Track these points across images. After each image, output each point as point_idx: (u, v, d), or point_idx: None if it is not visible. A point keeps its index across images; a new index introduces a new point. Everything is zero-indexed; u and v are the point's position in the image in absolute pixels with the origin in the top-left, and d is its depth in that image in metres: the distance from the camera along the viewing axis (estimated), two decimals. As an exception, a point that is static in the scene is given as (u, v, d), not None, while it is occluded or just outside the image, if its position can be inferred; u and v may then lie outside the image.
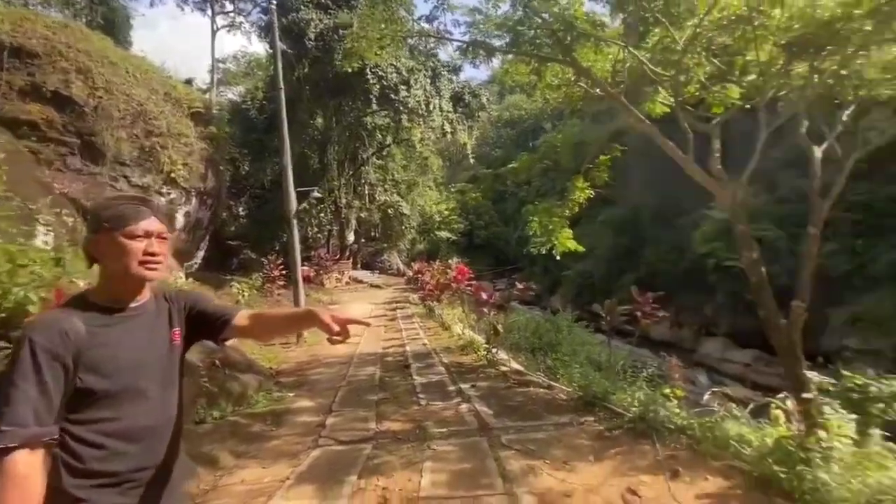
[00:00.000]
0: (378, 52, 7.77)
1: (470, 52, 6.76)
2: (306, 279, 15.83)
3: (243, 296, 13.45)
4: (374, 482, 3.70)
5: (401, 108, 20.54)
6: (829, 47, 5.40)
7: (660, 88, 6.99)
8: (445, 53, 24.06)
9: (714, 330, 23.12)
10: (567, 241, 8.15)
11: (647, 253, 28.13)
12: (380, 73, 19.73)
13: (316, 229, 24.93)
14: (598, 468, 3.68)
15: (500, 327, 7.82)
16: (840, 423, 3.33)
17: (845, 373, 3.76)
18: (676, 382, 6.20)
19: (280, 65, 12.23)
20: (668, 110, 7.48)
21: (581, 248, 8.15)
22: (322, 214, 24.23)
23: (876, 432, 3.49)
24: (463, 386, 6.18)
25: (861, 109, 6.08)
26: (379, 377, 7.44)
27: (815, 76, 5.50)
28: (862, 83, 5.53)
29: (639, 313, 6.03)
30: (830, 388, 3.73)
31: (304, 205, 13.78)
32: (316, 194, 13.30)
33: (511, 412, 5.11)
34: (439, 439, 4.45)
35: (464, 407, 5.35)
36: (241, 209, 25.52)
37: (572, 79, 7.80)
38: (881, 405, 3.54)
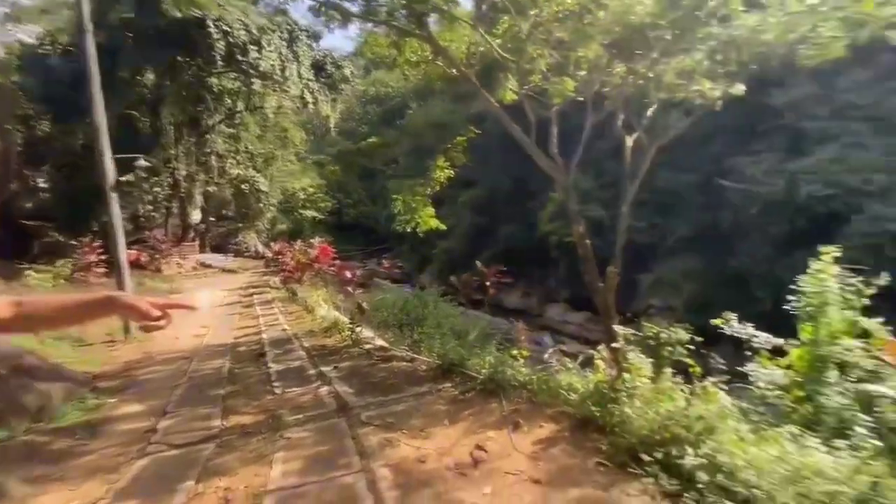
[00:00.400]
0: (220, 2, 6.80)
1: (324, 13, 6.32)
2: (135, 264, 13.55)
3: (45, 288, 10.96)
4: (214, 484, 3.35)
5: (251, 70, 18.53)
6: (640, 52, 6.32)
7: (509, 75, 7.46)
8: (299, 12, 22.29)
9: (556, 297, 26.34)
10: (429, 218, 8.34)
11: (502, 231, 30.57)
12: (224, 27, 17.45)
13: (150, 206, 21.37)
14: (452, 430, 3.88)
15: (364, 305, 7.71)
16: (640, 365, 4.03)
17: (645, 325, 4.54)
18: (522, 344, 6.82)
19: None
20: (515, 97, 8.05)
21: (443, 226, 8.43)
22: (157, 188, 20.82)
23: (667, 371, 4.29)
24: (324, 369, 5.97)
25: (662, 108, 7.30)
26: (228, 369, 6.76)
27: (631, 77, 6.41)
28: (663, 86, 6.62)
29: (487, 283, 6.47)
30: (632, 338, 4.47)
31: (130, 176, 11.63)
32: (143, 162, 11.29)
33: (373, 389, 5.09)
34: (294, 427, 4.23)
35: (324, 390, 5.17)
36: (42, 181, 20.54)
37: (430, 57, 7.87)
38: (670, 349, 4.35)
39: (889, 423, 3.81)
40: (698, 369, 4.72)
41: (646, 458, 2.97)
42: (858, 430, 3.06)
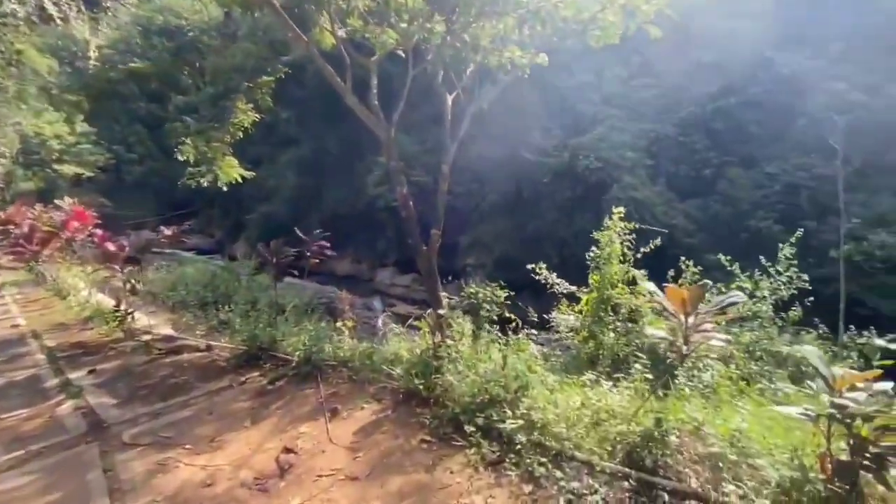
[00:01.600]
0: None
1: None
2: None
3: None
4: None
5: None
6: (458, 10, 6.06)
7: (324, 13, 6.45)
8: None
9: (386, 261, 26.42)
10: (231, 169, 6.91)
11: (330, 195, 28.92)
12: None
13: None
14: (256, 433, 3.15)
15: (139, 285, 6.02)
16: (462, 329, 3.93)
17: (465, 287, 4.47)
18: (347, 315, 6.28)
19: None
20: (334, 42, 7.10)
21: (241, 176, 7.07)
22: None
23: (486, 329, 4.29)
24: (74, 375, 4.35)
25: (477, 74, 7.31)
26: None
27: (449, 37, 6.13)
28: (479, 49, 6.54)
29: (308, 252, 5.67)
30: (454, 301, 4.36)
31: None
32: None
33: (148, 394, 3.89)
34: (6, 472, 2.86)
35: (67, 406, 3.71)
36: None
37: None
38: (488, 307, 4.35)
39: (655, 354, 4.52)
40: (516, 320, 4.94)
41: (469, 427, 2.80)
42: (637, 367, 3.39)
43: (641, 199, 16.73)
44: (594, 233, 5.57)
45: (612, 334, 4.98)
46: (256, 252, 7.51)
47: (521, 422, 2.67)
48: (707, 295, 2.90)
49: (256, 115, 6.80)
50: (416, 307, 23.44)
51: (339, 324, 5.88)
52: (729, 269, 5.05)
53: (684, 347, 2.47)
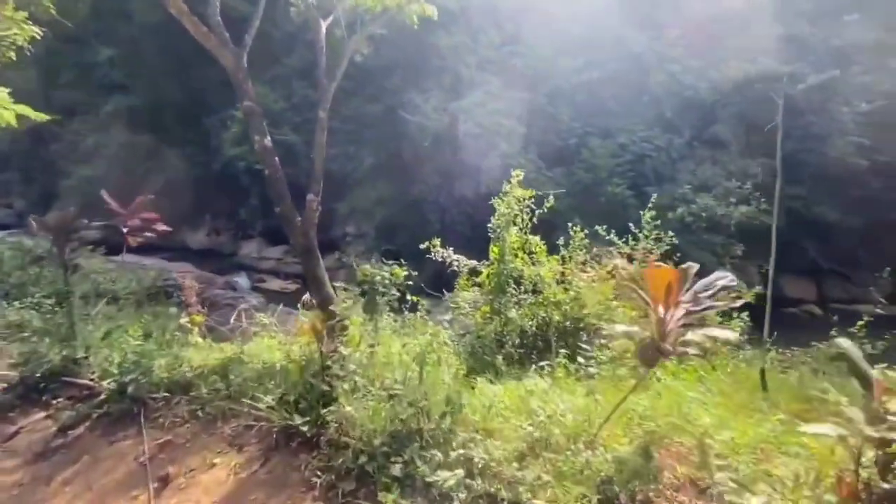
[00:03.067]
0: None
1: None
2: None
3: None
4: None
5: None
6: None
7: None
8: None
9: (251, 232, 23.27)
10: (5, 107, 4.60)
11: (174, 154, 24.08)
12: None
13: None
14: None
15: None
16: (357, 320, 2.97)
17: (358, 267, 3.46)
18: (194, 307, 4.78)
19: None
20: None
21: (39, 116, 4.81)
22: None
23: (385, 314, 3.39)
24: None
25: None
26: None
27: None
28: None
29: (124, 228, 3.99)
30: (346, 291, 3.34)
31: None
32: None
33: None
34: None
35: None
36: None
37: None
38: (384, 289, 3.42)
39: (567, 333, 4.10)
40: (418, 300, 4.11)
41: (382, 480, 1.92)
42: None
43: (517, 167, 17.02)
44: (492, 200, 4.96)
45: (515, 310, 4.51)
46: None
47: (458, 470, 1.86)
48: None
49: (36, 30, 4.60)
50: (290, 282, 21.20)
51: (183, 319, 4.42)
52: (601, 233, 4.89)
53: (666, 346, 1.90)
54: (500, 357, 3.83)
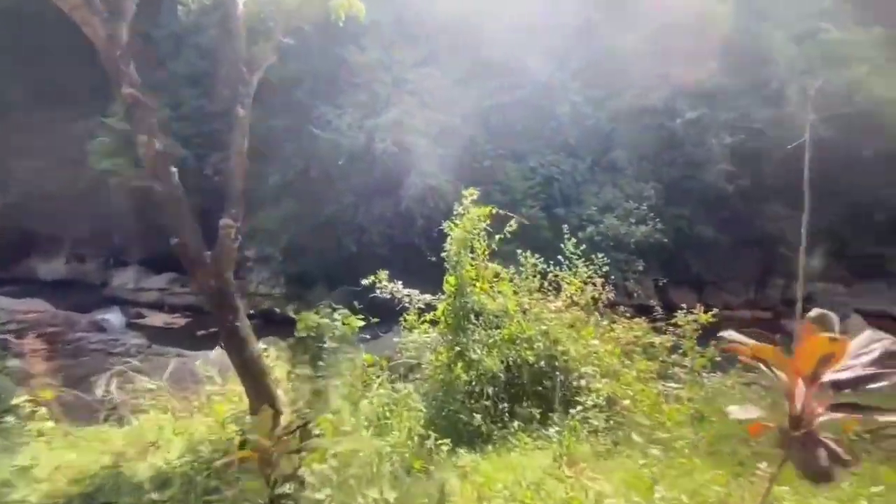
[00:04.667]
0: None
1: None
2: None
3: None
4: None
5: None
6: None
7: None
8: None
9: (127, 259, 19.82)
10: None
11: (23, 167, 19.76)
12: None
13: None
14: None
15: None
16: (325, 420, 2.11)
17: (297, 315, 2.59)
18: (40, 378, 3.43)
19: None
20: None
21: None
22: None
23: (332, 382, 2.55)
24: None
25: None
26: None
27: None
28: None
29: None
30: (284, 348, 2.45)
31: None
32: None
33: None
34: None
35: None
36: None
37: None
38: (336, 344, 2.60)
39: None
40: (377, 361, 3.30)
41: None
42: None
43: (436, 187, 16.81)
44: (444, 223, 4.35)
45: (481, 351, 3.91)
46: None
47: None
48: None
49: None
50: (176, 315, 18.29)
51: (21, 398, 3.17)
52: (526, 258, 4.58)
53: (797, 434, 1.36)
54: (477, 415, 3.18)
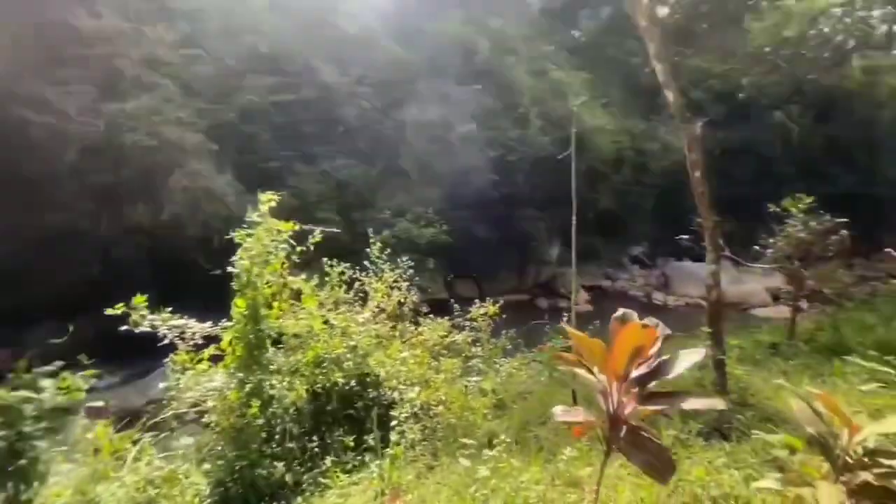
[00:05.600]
0: None
1: None
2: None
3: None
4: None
5: None
6: None
7: None
8: None
9: None
10: None
11: None
12: None
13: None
14: None
15: None
16: None
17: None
18: None
19: None
20: None
21: None
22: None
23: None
24: None
25: None
26: None
27: None
28: None
29: None
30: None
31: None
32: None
33: None
34: None
35: None
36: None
37: None
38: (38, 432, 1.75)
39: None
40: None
41: None
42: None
43: (213, 189, 14.51)
44: (235, 232, 3.64)
45: (278, 382, 3.34)
46: None
47: None
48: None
49: None
50: None
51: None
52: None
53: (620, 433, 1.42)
54: (279, 463, 2.67)
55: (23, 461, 1.56)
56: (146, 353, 3.90)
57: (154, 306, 3.43)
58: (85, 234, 12.94)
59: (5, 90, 12.10)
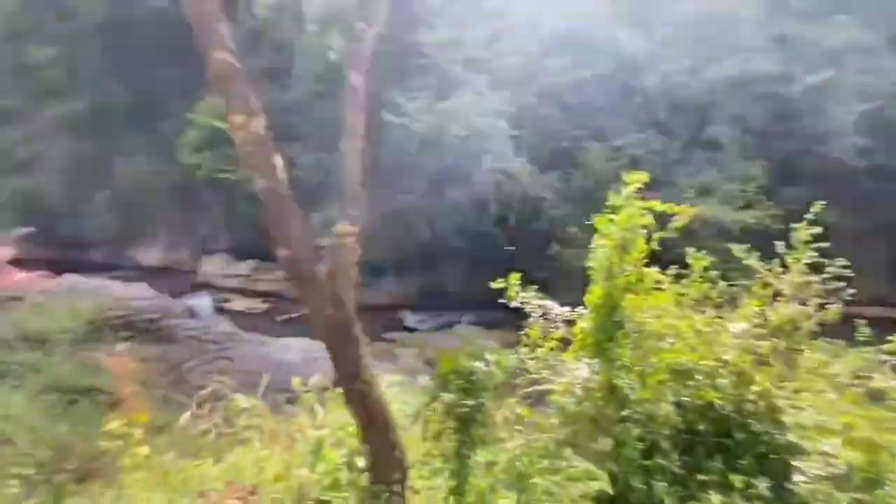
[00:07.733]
0: None
1: None
2: None
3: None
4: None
5: None
6: None
7: None
8: None
9: (213, 247, 20.87)
10: None
11: (123, 164, 21.38)
12: None
13: None
14: None
15: None
16: None
17: (443, 357, 1.85)
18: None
19: None
20: None
21: None
22: None
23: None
24: None
25: None
26: None
27: None
28: None
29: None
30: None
31: None
32: None
33: None
34: None
35: None
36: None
37: None
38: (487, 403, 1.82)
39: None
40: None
41: None
42: None
43: (511, 171, 15.79)
44: (591, 217, 3.38)
45: (626, 379, 2.93)
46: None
47: None
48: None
49: None
50: (259, 300, 18.93)
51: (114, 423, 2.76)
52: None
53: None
54: (658, 482, 2.30)
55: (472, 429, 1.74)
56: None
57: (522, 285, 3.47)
58: (420, 211, 16.35)
59: (375, 99, 16.31)
